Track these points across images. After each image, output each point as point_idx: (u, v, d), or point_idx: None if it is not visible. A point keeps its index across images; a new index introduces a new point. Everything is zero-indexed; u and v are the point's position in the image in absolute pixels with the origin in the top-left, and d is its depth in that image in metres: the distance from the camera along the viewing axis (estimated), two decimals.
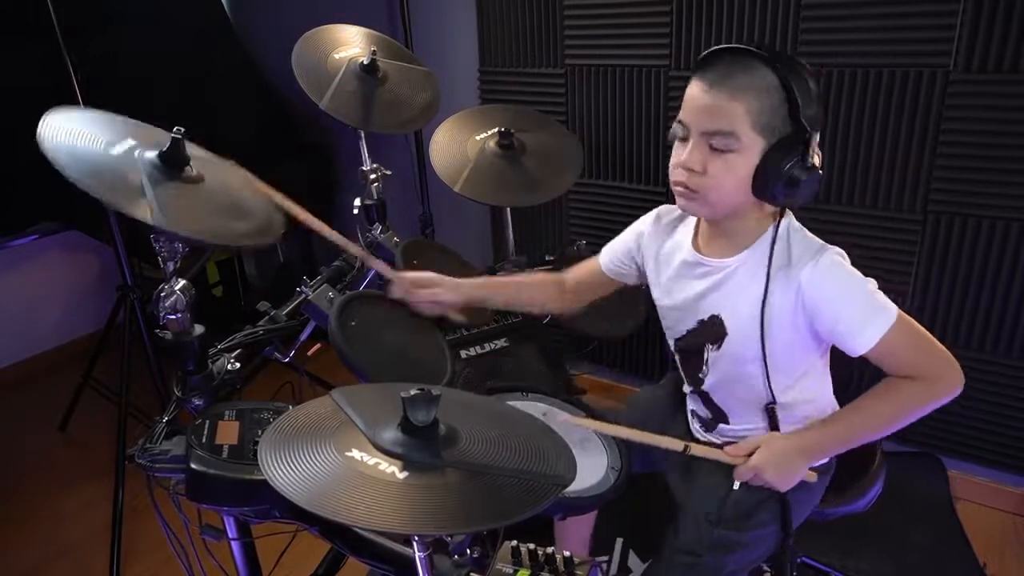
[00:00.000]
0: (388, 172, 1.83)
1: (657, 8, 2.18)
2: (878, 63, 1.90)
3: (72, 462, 2.60)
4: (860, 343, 1.12)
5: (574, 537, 1.52)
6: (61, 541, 2.20)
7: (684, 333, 1.29)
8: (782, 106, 1.07)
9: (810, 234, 1.18)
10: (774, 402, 1.21)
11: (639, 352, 2.60)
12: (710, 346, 1.24)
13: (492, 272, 1.97)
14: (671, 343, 1.34)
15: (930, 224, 1.96)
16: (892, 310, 1.11)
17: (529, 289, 1.52)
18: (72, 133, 1.10)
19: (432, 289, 1.43)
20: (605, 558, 1.47)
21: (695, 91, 1.11)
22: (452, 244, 1.85)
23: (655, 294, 1.34)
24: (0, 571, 2.11)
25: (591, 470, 1.22)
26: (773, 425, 1.23)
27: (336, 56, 1.75)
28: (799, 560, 1.50)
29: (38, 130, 1.06)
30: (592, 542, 1.57)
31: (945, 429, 2.11)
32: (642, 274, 1.38)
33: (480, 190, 1.84)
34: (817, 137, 1.09)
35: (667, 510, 1.36)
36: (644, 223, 1.38)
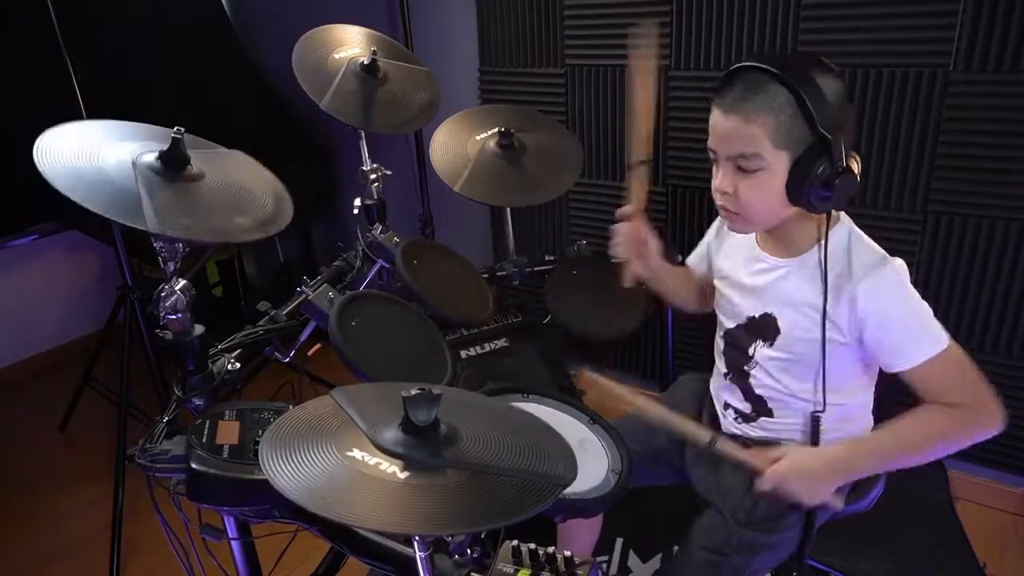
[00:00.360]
0: (388, 172, 1.83)
1: (657, 8, 2.18)
2: (878, 63, 1.90)
3: (72, 462, 2.61)
4: (902, 361, 1.13)
5: (578, 541, 1.52)
6: (61, 541, 2.20)
7: (735, 327, 1.31)
8: (797, 118, 1.07)
9: (873, 243, 1.19)
10: (821, 410, 1.22)
11: (639, 352, 2.60)
12: (761, 342, 1.26)
13: (492, 272, 1.97)
14: (720, 332, 1.38)
15: (930, 224, 1.96)
16: (943, 338, 1.12)
17: (679, 279, 1.51)
18: (68, 149, 1.10)
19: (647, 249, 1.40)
20: (605, 558, 1.46)
21: (715, 117, 1.15)
22: (452, 244, 1.85)
23: (719, 285, 1.38)
24: (0, 571, 2.11)
25: (592, 472, 1.22)
26: (814, 434, 1.23)
27: (336, 56, 1.75)
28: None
29: (34, 153, 1.06)
30: (596, 545, 1.57)
31: None
32: (712, 270, 1.43)
33: (480, 190, 1.83)
34: (841, 140, 1.08)
35: (667, 509, 1.36)
36: (711, 231, 1.43)
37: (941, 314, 1.97)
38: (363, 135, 1.76)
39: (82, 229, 2.90)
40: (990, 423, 1.12)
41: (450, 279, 1.69)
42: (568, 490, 0.85)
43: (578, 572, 0.98)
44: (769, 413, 1.31)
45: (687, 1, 2.12)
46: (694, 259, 1.50)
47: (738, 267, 1.32)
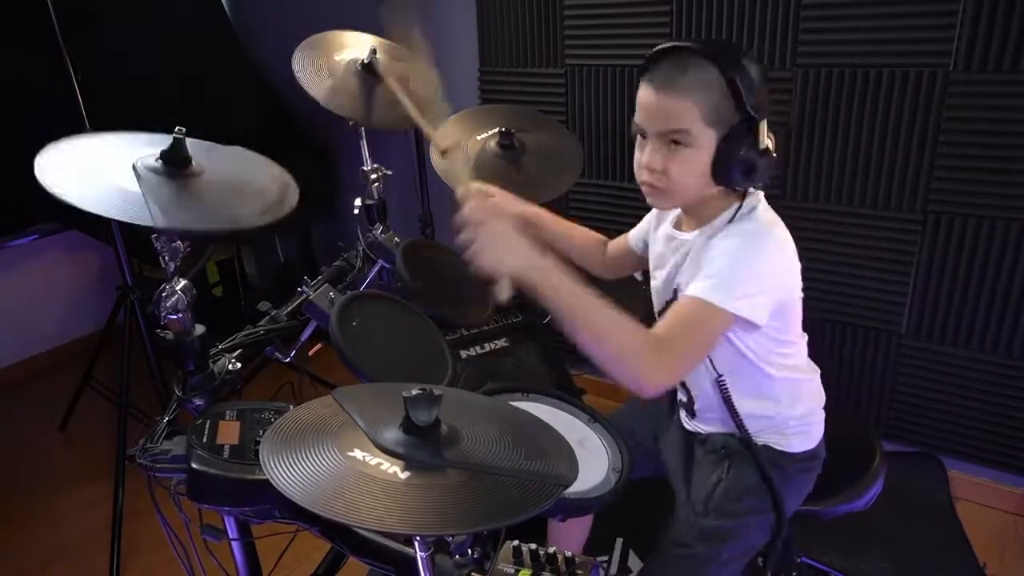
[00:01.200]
0: (388, 172, 1.83)
1: (657, 8, 2.18)
2: (878, 63, 1.90)
3: (72, 462, 2.61)
4: (688, 287, 1.11)
5: (569, 539, 1.52)
6: (61, 541, 2.20)
7: (660, 309, 1.32)
8: (727, 98, 1.10)
9: (771, 216, 1.19)
10: (720, 375, 1.23)
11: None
12: None
13: None
14: None
15: (930, 224, 1.96)
16: (727, 299, 1.07)
17: (578, 238, 1.55)
18: (70, 159, 1.10)
19: (490, 198, 1.34)
20: (605, 558, 1.47)
21: (645, 95, 1.16)
22: (452, 244, 1.85)
23: (651, 273, 1.39)
24: (0, 571, 2.11)
25: (592, 471, 1.22)
26: (727, 401, 1.24)
27: (336, 57, 1.75)
28: (799, 560, 1.50)
29: (35, 170, 1.06)
30: (588, 544, 1.57)
31: (945, 429, 2.12)
32: (646, 256, 1.43)
33: None
34: (765, 123, 1.12)
35: (667, 510, 1.36)
36: (651, 218, 1.44)
37: (941, 313, 2.00)
38: (363, 135, 1.76)
39: (82, 229, 2.90)
40: (651, 372, 1.03)
41: (450, 279, 1.69)
42: (569, 489, 0.85)
43: (578, 572, 0.98)
44: (694, 401, 1.33)
45: (687, 1, 2.12)
46: (634, 237, 1.49)
47: (662, 252, 1.34)
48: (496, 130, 1.91)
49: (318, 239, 3.39)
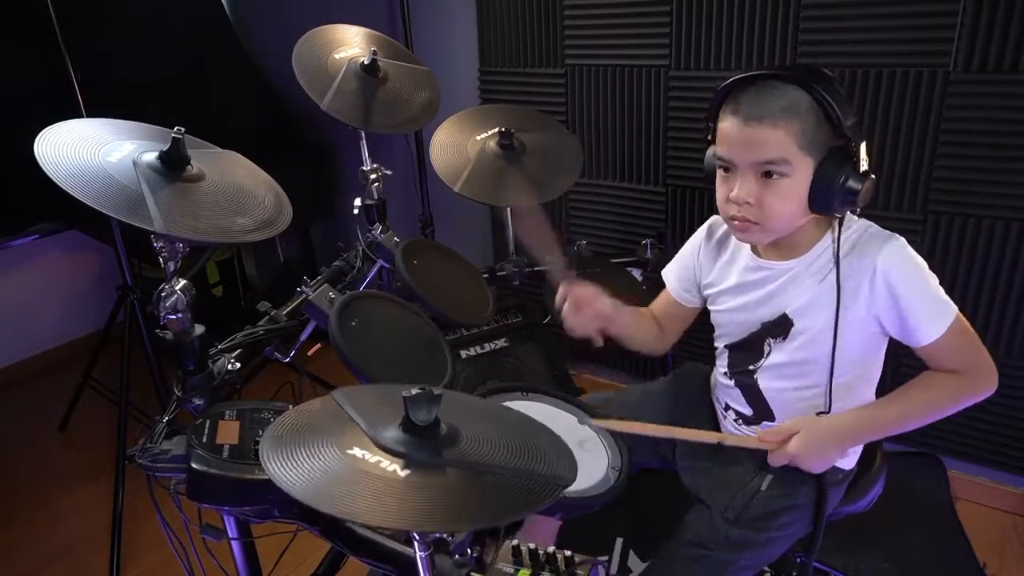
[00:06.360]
0: (388, 172, 1.83)
1: (657, 8, 2.18)
2: (878, 63, 1.90)
3: (72, 462, 2.61)
4: (924, 335, 1.14)
5: (539, 531, 1.50)
6: (61, 541, 2.20)
7: (745, 336, 1.29)
8: (822, 123, 1.08)
9: (872, 224, 1.19)
10: (827, 411, 1.22)
11: (639, 353, 2.60)
12: (772, 340, 1.25)
13: (492, 272, 1.97)
14: (721, 346, 1.36)
15: (930, 224, 1.96)
16: (953, 306, 1.14)
17: (642, 324, 1.47)
18: (69, 144, 1.10)
19: (596, 305, 1.34)
20: (605, 558, 1.46)
21: (732, 127, 1.12)
22: (452, 244, 1.85)
23: (715, 303, 1.36)
24: (0, 571, 2.11)
25: (592, 470, 1.22)
26: None
27: (336, 56, 1.75)
28: (799, 559, 1.50)
29: (35, 148, 1.06)
30: (560, 533, 1.55)
31: (945, 429, 2.11)
32: (701, 292, 1.40)
33: (480, 190, 1.83)
34: (864, 144, 1.10)
35: (667, 508, 1.36)
36: (698, 239, 1.40)
37: None
38: (363, 135, 1.76)
39: (82, 229, 2.90)
40: (989, 386, 1.17)
41: (450, 279, 1.69)
42: (569, 488, 0.85)
43: (578, 572, 0.98)
44: (770, 416, 1.30)
45: (687, 1, 2.12)
46: (674, 279, 1.45)
47: (741, 282, 1.30)
48: (496, 130, 1.91)
49: (318, 239, 3.40)
